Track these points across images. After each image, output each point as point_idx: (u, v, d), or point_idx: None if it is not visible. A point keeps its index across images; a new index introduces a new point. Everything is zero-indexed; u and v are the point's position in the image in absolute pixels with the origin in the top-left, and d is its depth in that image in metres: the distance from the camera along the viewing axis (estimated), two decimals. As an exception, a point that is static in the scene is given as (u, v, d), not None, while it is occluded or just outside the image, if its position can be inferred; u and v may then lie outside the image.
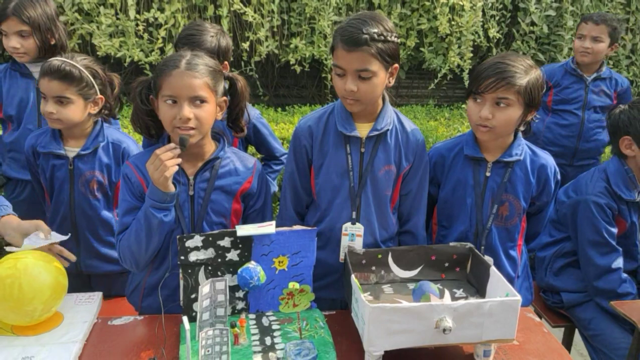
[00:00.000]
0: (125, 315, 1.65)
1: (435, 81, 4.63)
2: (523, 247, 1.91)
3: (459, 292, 1.67)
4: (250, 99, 5.05)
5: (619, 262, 1.97)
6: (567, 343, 2.24)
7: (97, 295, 1.67)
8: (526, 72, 1.66)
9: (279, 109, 4.30)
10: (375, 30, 1.55)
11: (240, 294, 1.62)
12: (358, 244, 1.75)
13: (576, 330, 2.20)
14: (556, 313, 2.20)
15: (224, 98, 1.65)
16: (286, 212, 1.83)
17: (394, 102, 1.79)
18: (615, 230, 1.99)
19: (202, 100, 1.54)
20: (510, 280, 1.87)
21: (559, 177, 1.86)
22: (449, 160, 1.84)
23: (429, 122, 4.21)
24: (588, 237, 1.99)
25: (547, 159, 1.83)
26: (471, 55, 4.55)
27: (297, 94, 4.75)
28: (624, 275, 1.97)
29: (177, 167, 1.51)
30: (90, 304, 1.63)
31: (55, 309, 1.55)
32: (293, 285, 1.60)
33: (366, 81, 1.59)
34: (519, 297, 1.41)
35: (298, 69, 4.35)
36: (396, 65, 1.65)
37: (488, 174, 1.78)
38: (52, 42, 2.28)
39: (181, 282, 1.58)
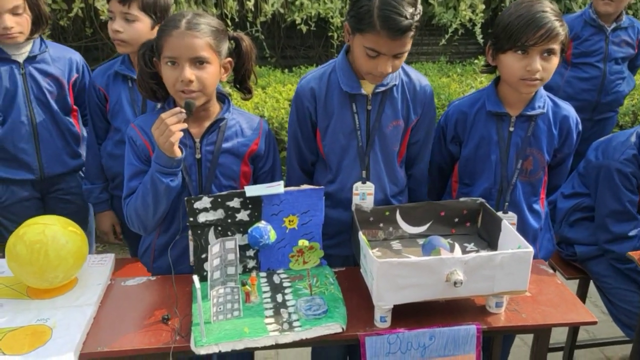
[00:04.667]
0: (137, 275, 1.67)
1: (446, 37, 4.50)
2: (545, 199, 1.89)
3: (470, 246, 1.66)
4: (256, 61, 4.94)
5: (635, 231, 1.91)
6: (582, 295, 2.23)
7: (110, 257, 1.69)
8: (561, 19, 1.62)
9: (286, 71, 4.23)
10: (412, 10, 1.46)
11: (251, 252, 1.63)
12: (369, 202, 1.74)
13: (591, 282, 2.19)
14: (570, 266, 2.19)
15: (229, 59, 1.61)
16: (293, 173, 1.82)
17: None
18: (637, 198, 1.93)
19: (204, 61, 1.50)
20: (535, 233, 1.86)
21: (580, 127, 1.81)
22: (471, 117, 1.78)
23: (441, 78, 4.12)
24: (607, 204, 1.93)
25: (569, 109, 1.79)
26: (483, 7, 4.40)
27: (304, 54, 4.66)
28: (639, 242, 1.91)
29: (181, 133, 1.49)
30: (103, 265, 1.65)
31: (74, 276, 1.57)
32: (302, 242, 1.60)
33: (399, 58, 1.55)
34: (531, 249, 1.40)
35: (304, 28, 4.25)
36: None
37: (512, 128, 1.74)
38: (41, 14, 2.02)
39: (191, 243, 1.59)
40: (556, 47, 1.61)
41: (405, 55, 1.56)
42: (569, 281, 2.20)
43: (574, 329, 2.25)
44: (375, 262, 1.36)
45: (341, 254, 1.77)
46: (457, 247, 1.48)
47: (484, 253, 1.39)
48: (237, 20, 4.12)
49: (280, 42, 4.58)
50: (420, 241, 1.68)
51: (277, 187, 1.55)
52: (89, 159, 2.13)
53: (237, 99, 3.50)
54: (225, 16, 4.06)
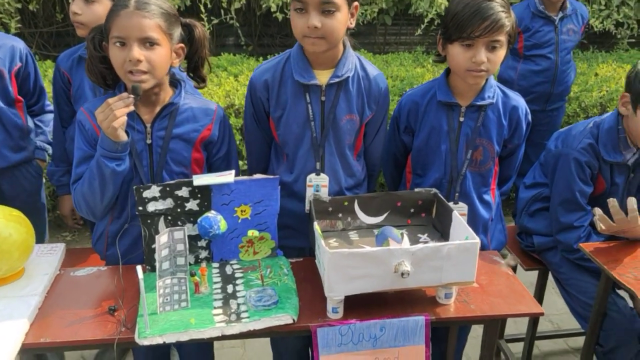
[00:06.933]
0: (90, 265, 1.65)
1: (422, 26, 4.48)
2: (496, 190, 1.90)
3: (424, 237, 1.66)
4: (232, 49, 4.87)
5: (582, 220, 1.91)
6: (541, 286, 2.25)
7: (60, 247, 1.66)
8: (509, 10, 1.61)
9: (261, 59, 4.19)
10: None
11: (202, 243, 1.61)
12: (323, 194, 1.73)
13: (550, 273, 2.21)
14: (530, 257, 2.21)
15: (181, 45, 1.59)
16: (253, 159, 1.84)
17: (356, 48, 1.73)
18: (590, 189, 1.93)
19: (153, 42, 1.48)
20: (486, 223, 1.87)
21: (529, 118, 1.82)
22: (422, 106, 1.78)
23: (416, 69, 4.11)
24: (560, 192, 1.94)
25: (519, 100, 1.79)
26: (459, -3, 4.38)
27: (281, 42, 4.62)
28: (584, 232, 1.91)
29: (125, 118, 1.46)
30: (52, 255, 1.62)
31: (21, 267, 1.54)
32: (252, 233, 1.59)
33: (330, 16, 1.52)
34: (477, 240, 1.40)
35: (280, 16, 4.21)
36: (357, 3, 1.58)
37: (462, 119, 1.74)
38: None
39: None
40: (502, 38, 1.60)
41: (339, 16, 1.52)
42: (530, 273, 2.22)
43: (534, 320, 2.28)
44: (327, 253, 1.35)
45: (295, 245, 1.76)
46: (405, 238, 1.48)
47: (431, 244, 1.39)
48: (210, 6, 4.07)
49: (257, 30, 4.54)
50: (377, 232, 1.68)
51: (227, 177, 1.53)
52: (54, 141, 2.12)
53: (210, 88, 3.47)
54: (199, 1, 4.01)
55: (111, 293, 1.50)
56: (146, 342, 1.31)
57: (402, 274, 1.36)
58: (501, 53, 1.62)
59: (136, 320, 1.37)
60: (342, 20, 1.55)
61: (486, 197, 1.83)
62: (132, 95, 1.47)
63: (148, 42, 1.47)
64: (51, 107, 2.25)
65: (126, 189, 1.59)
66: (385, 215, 1.74)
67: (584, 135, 1.90)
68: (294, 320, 1.40)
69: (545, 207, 2.08)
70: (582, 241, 1.90)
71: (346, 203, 1.72)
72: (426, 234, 1.68)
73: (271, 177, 1.59)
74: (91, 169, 1.52)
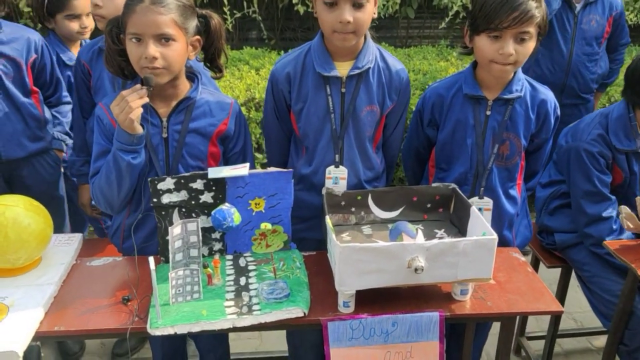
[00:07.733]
0: (107, 256, 1.67)
1: (447, 20, 4.40)
2: (522, 185, 1.85)
3: (440, 233, 1.63)
4: (255, 43, 4.85)
5: (610, 211, 1.86)
6: (564, 283, 2.19)
7: (77, 237, 1.68)
8: (540, 0, 1.56)
9: (282, 52, 4.17)
10: None
11: (216, 235, 1.61)
12: (342, 187, 1.72)
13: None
14: (552, 254, 2.15)
15: (197, 37, 1.58)
16: (272, 153, 1.83)
17: (374, 39, 1.70)
18: (609, 178, 1.89)
19: (169, 38, 1.47)
20: (511, 219, 1.83)
21: (558, 112, 1.77)
22: (447, 100, 1.74)
23: (439, 62, 4.03)
24: (580, 186, 1.90)
25: (547, 93, 1.74)
26: (485, -11, 4.28)
27: (303, 36, 4.59)
28: (616, 224, 1.87)
29: (142, 109, 1.47)
30: (69, 245, 1.64)
31: (38, 257, 1.56)
32: (265, 225, 1.59)
33: (360, 9, 1.51)
34: (495, 237, 1.36)
35: (302, 9, 4.18)
36: None
37: (488, 112, 1.70)
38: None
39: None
40: (531, 30, 1.55)
41: (368, 7, 1.51)
42: (553, 270, 2.16)
43: (555, 318, 2.22)
44: (337, 247, 1.34)
45: (315, 237, 1.75)
46: (420, 233, 1.45)
47: (446, 240, 1.36)
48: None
49: (279, 24, 4.52)
50: (391, 226, 1.65)
51: (242, 170, 1.52)
52: (74, 132, 2.14)
53: (231, 81, 3.47)
54: (221, -4, 4.01)
55: (125, 283, 1.51)
56: (158, 332, 1.32)
57: (416, 270, 1.34)
58: (530, 45, 1.57)
59: (149, 311, 1.38)
60: (371, 11, 1.54)
61: (512, 192, 1.79)
62: (145, 87, 1.47)
63: (164, 38, 1.47)
64: (69, 99, 2.28)
65: (142, 183, 1.59)
66: (400, 210, 1.71)
67: (592, 127, 1.87)
68: (304, 313, 1.39)
69: (563, 204, 2.04)
70: (615, 235, 1.85)
71: (359, 197, 1.69)
72: (443, 230, 1.64)
73: (285, 170, 1.58)
74: (108, 163, 1.53)
